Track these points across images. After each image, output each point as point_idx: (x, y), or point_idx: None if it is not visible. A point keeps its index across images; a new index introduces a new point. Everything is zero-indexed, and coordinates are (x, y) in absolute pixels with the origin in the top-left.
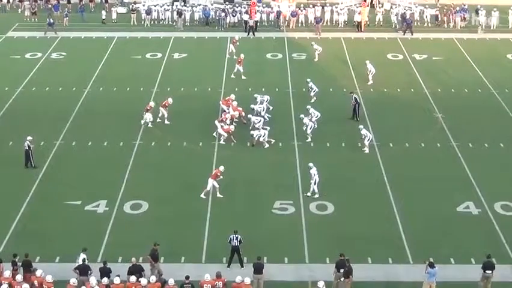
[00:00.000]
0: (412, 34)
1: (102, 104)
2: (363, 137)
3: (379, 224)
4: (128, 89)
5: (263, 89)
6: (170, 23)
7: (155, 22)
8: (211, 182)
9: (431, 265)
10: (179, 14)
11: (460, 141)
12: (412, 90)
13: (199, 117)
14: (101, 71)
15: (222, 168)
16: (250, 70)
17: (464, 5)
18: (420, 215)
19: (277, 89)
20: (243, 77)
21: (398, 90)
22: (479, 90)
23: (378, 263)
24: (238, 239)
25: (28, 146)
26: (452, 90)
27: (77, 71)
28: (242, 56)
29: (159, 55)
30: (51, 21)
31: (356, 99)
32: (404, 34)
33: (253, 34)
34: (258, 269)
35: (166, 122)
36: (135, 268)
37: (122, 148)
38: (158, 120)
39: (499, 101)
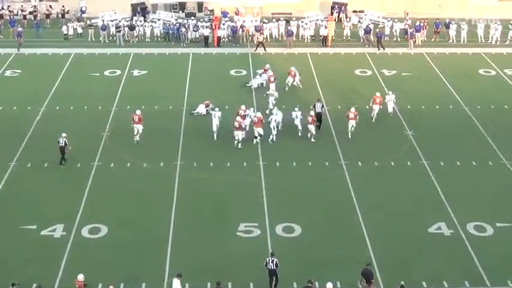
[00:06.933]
0: (384, 49)
1: (58, 123)
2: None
3: (348, 246)
4: (86, 107)
5: (226, 107)
6: (127, 38)
7: (113, 38)
8: None
9: None
10: (131, 28)
11: (430, 159)
12: (381, 107)
13: (160, 136)
14: (58, 89)
15: None
16: (212, 86)
17: (437, 20)
18: (391, 236)
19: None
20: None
21: (367, 107)
22: (451, 106)
23: (347, 287)
24: (274, 262)
25: (65, 143)
26: (423, 106)
27: (33, 89)
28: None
29: (118, 72)
30: (19, 29)
31: (322, 106)
32: (378, 49)
33: (265, 49)
34: None
35: (137, 138)
36: None
37: (80, 169)
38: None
39: (471, 118)
